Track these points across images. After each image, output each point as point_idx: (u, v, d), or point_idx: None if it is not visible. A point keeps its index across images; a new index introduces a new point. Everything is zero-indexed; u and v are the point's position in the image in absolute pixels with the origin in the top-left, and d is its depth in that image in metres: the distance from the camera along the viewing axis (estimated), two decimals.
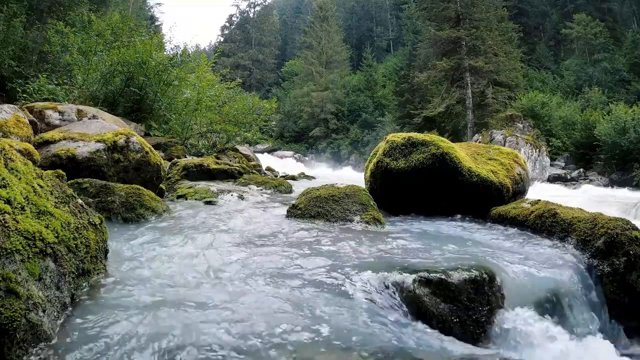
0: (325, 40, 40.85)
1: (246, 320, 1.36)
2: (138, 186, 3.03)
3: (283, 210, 3.20)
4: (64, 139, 3.59)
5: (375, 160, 3.48)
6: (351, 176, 14.87)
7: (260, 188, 4.85)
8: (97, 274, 1.55)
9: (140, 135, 4.68)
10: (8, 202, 1.22)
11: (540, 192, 9.48)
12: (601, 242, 2.18)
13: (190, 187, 4.31)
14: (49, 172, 1.71)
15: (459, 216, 3.26)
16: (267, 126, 11.78)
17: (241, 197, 4.01)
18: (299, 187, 5.24)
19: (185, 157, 6.97)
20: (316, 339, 1.28)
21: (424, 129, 24.88)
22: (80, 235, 1.48)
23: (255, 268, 1.87)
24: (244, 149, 8.85)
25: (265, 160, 13.94)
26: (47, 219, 1.34)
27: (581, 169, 21.65)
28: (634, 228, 2.21)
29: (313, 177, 10.52)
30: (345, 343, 1.28)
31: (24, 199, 1.29)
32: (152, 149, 3.99)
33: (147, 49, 8.59)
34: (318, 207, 2.82)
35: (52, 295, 1.22)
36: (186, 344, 1.19)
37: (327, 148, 36.11)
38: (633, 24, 33.88)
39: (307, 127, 38.57)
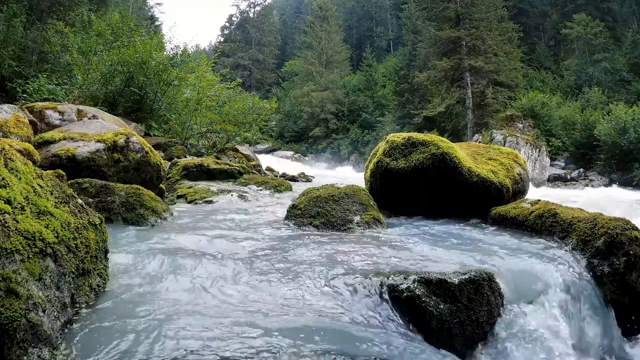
0: (325, 40, 40.83)
1: (238, 323, 1.36)
2: (138, 186, 3.03)
3: (283, 210, 3.20)
4: (64, 139, 3.59)
5: (375, 160, 3.48)
6: (351, 176, 14.87)
7: (260, 188, 4.85)
8: (97, 274, 1.55)
9: (140, 135, 4.67)
10: (8, 202, 1.22)
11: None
12: (601, 242, 2.18)
13: (190, 187, 4.31)
14: (49, 172, 1.71)
15: (458, 216, 3.26)
16: (267, 126, 11.78)
17: (241, 197, 4.01)
18: (298, 187, 5.24)
19: (185, 157, 6.97)
20: (310, 342, 1.27)
21: (424, 129, 24.89)
22: (80, 235, 1.48)
23: (253, 269, 1.87)
24: (244, 149, 8.85)
25: (265, 160, 13.93)
26: (47, 219, 1.34)
27: (581, 169, 21.66)
28: (634, 228, 2.21)
29: (313, 177, 10.52)
30: (341, 345, 1.28)
31: (24, 199, 1.29)
32: (152, 149, 3.99)
33: (147, 49, 8.59)
34: (318, 207, 2.82)
35: (52, 295, 1.22)
36: (186, 346, 1.19)
37: (327, 148, 36.09)
38: (633, 24, 33.86)
39: (307, 127, 38.54)
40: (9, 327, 1.00)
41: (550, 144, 22.99)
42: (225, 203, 3.83)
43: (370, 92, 38.18)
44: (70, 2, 15.11)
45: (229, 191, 4.14)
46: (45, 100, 7.21)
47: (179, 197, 4.05)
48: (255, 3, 55.82)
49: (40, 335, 1.09)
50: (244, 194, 4.14)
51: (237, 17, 55.94)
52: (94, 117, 5.41)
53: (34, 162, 2.86)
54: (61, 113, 4.94)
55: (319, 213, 2.79)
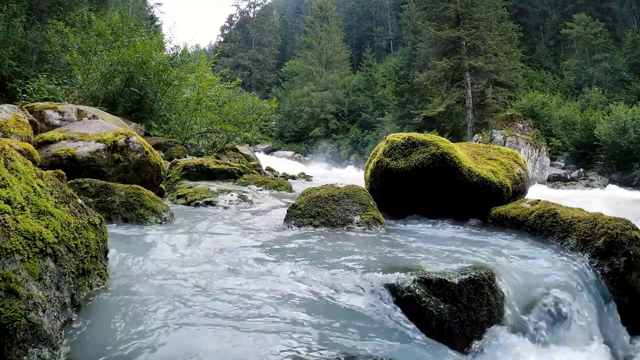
0: (325, 40, 40.83)
1: (236, 323, 1.36)
2: (138, 186, 3.03)
3: (283, 210, 3.20)
4: (64, 139, 3.59)
5: (375, 160, 3.48)
6: (351, 176, 14.87)
7: (260, 188, 4.85)
8: (97, 274, 1.55)
9: (140, 135, 4.68)
10: (8, 202, 1.22)
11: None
12: (601, 242, 2.18)
13: (190, 187, 4.31)
14: (49, 172, 1.71)
15: (458, 216, 3.26)
16: (267, 126, 11.77)
17: (241, 197, 4.01)
18: (298, 187, 5.24)
19: (185, 157, 6.97)
20: (309, 341, 1.27)
21: (424, 129, 24.89)
22: (80, 235, 1.48)
23: (253, 269, 1.87)
24: (244, 149, 8.85)
25: (265, 160, 13.94)
26: (47, 219, 1.34)
27: (581, 169, 21.67)
28: (634, 228, 2.21)
29: (312, 177, 10.54)
30: (340, 345, 1.28)
31: (24, 199, 1.29)
32: (152, 149, 3.99)
33: (147, 49, 8.59)
34: (318, 207, 2.82)
35: (52, 295, 1.22)
36: (186, 345, 1.19)
37: (327, 148, 36.07)
38: (633, 24, 33.88)
39: (307, 127, 38.53)
40: (9, 327, 1.00)
41: (550, 144, 23.00)
42: (225, 203, 3.83)
43: (370, 92, 38.19)
44: (70, 2, 15.12)
45: (229, 191, 4.14)
46: (45, 100, 7.21)
47: (179, 197, 4.05)
48: (255, 3, 55.87)
49: (40, 335, 1.09)
50: (244, 194, 4.13)
51: (237, 17, 55.97)
52: (94, 117, 5.41)
53: (34, 162, 2.86)
54: (61, 113, 4.94)
55: (319, 213, 2.79)
